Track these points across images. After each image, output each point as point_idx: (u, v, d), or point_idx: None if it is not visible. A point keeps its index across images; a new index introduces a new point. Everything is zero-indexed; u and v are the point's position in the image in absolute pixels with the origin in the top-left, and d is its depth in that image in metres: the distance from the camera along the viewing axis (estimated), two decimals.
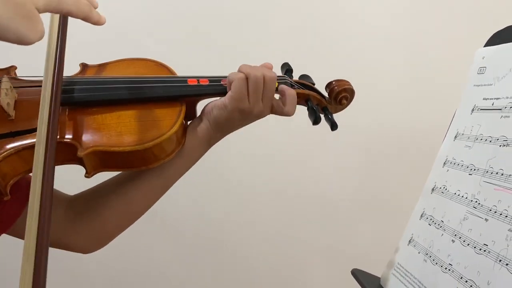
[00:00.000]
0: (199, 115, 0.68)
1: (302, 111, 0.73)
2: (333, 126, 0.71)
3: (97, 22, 0.48)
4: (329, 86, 0.73)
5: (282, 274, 1.44)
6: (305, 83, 0.73)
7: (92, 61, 0.69)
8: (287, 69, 0.75)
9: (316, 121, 0.70)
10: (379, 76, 1.36)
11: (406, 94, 1.37)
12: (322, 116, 0.72)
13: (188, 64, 0.83)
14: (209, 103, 0.67)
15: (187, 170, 0.68)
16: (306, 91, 0.72)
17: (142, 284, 1.41)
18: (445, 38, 1.35)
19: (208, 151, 0.69)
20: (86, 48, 1.08)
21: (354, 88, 0.73)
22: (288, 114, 0.68)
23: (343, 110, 0.77)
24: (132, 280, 1.40)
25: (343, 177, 1.40)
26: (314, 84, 0.75)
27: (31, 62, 0.62)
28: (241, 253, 1.42)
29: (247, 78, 0.63)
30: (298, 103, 0.72)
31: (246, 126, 0.69)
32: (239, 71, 0.64)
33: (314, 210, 1.41)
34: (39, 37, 0.39)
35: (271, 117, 0.70)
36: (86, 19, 0.46)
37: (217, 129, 0.66)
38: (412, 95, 1.37)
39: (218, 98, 0.67)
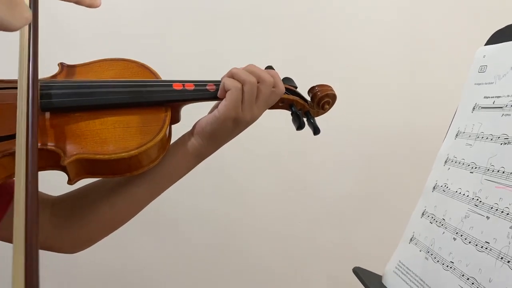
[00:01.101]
0: (190, 132, 0.67)
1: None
2: (316, 131, 0.70)
3: (90, 4, 0.45)
4: (311, 91, 0.73)
5: (283, 272, 1.44)
6: (289, 87, 0.72)
7: (82, 59, 0.67)
8: None
9: (300, 127, 0.70)
10: (379, 74, 1.36)
11: (407, 92, 1.37)
12: (305, 120, 0.71)
13: (180, 64, 0.82)
14: (199, 120, 0.66)
15: (176, 182, 0.67)
16: (291, 97, 0.71)
17: (138, 283, 1.41)
18: (445, 37, 1.35)
19: None
20: (77, 46, 1.08)
21: (336, 93, 0.73)
22: (281, 90, 0.66)
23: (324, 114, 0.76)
24: (129, 280, 1.40)
25: (344, 176, 1.40)
26: (296, 88, 0.74)
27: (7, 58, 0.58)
28: (241, 252, 1.42)
29: (242, 86, 0.61)
30: (282, 108, 0.72)
31: None
32: (233, 77, 0.62)
33: (315, 208, 1.41)
34: (24, 24, 0.37)
35: (270, 116, 0.69)
36: (78, 2, 0.44)
37: (212, 144, 0.66)
38: (412, 93, 1.37)
39: (204, 102, 0.66)
